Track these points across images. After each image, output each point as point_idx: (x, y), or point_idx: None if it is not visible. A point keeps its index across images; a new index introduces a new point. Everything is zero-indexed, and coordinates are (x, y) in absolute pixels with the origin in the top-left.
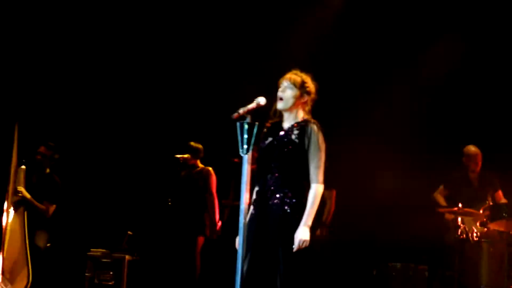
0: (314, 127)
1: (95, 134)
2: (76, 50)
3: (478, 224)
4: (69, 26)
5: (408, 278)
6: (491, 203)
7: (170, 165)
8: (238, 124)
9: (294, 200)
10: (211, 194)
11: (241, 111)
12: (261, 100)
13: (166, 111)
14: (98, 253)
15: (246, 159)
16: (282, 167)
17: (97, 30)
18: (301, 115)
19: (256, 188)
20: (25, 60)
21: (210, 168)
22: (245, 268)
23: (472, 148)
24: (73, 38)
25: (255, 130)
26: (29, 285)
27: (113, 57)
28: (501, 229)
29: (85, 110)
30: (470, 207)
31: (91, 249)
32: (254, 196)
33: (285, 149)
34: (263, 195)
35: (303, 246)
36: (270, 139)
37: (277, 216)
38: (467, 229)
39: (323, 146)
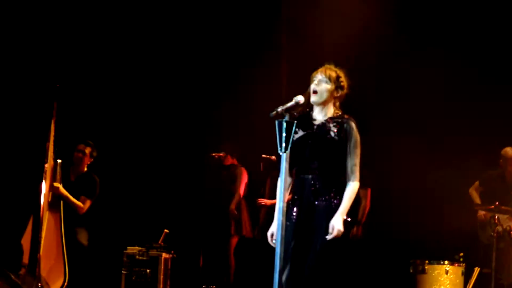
0: (353, 124)
1: (133, 131)
2: (109, 49)
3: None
4: (102, 23)
5: (445, 275)
6: None
7: (207, 163)
8: (276, 122)
9: (338, 199)
10: (237, 192)
11: (279, 109)
12: (300, 98)
13: (204, 109)
14: (135, 251)
15: (285, 157)
16: (324, 166)
17: (126, 31)
18: (332, 109)
19: (290, 186)
20: (60, 57)
21: (243, 168)
22: (285, 273)
23: (509, 151)
24: (106, 38)
25: (293, 129)
26: (65, 284)
27: (147, 56)
28: None
29: (121, 107)
30: (504, 205)
31: (128, 247)
32: (290, 196)
33: (325, 147)
34: (303, 196)
35: (338, 235)
36: (301, 133)
37: (324, 217)
38: (504, 226)
39: (360, 144)
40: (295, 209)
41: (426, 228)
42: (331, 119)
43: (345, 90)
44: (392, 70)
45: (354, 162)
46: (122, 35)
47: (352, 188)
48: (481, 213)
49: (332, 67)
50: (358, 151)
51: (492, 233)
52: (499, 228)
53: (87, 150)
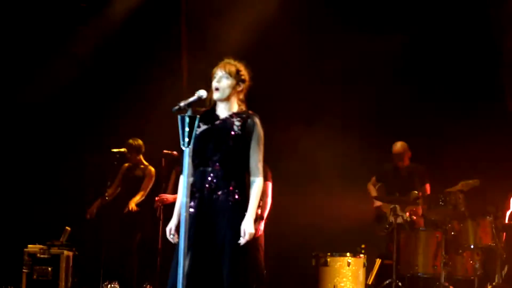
0: (257, 120)
1: (24, 129)
2: None
3: (407, 213)
4: None
5: (347, 267)
6: (419, 194)
7: (108, 159)
8: (179, 117)
9: (238, 194)
10: (144, 191)
11: (182, 104)
12: (202, 93)
13: (105, 105)
14: (36, 249)
15: (188, 152)
16: (225, 159)
17: None
18: (235, 104)
19: (192, 181)
20: None
21: (153, 170)
22: (187, 264)
23: (397, 146)
24: None
25: (196, 123)
26: None
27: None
28: (437, 217)
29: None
30: (401, 196)
31: (28, 245)
32: (190, 190)
33: (227, 141)
34: (203, 189)
35: (250, 238)
36: (204, 127)
37: (223, 211)
38: (404, 218)
39: (263, 139)
40: (192, 202)
41: (329, 221)
42: (235, 114)
43: (247, 83)
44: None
45: (258, 158)
46: None
47: (257, 185)
48: (377, 204)
49: (231, 61)
50: (262, 147)
51: (388, 226)
52: (399, 219)
53: None
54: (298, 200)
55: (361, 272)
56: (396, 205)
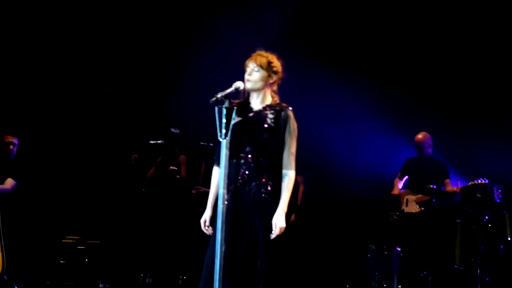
0: (290, 113)
1: (66, 121)
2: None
3: (417, 205)
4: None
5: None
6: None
7: (145, 151)
8: (216, 108)
9: (271, 186)
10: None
11: (219, 95)
12: (240, 84)
13: (143, 97)
14: (72, 240)
15: (225, 143)
16: (257, 151)
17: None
18: (269, 97)
19: (226, 173)
20: None
21: (184, 156)
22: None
23: (419, 135)
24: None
25: (233, 115)
26: (4, 271)
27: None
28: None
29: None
30: (415, 190)
31: (66, 236)
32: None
33: (261, 133)
34: (236, 181)
35: (281, 232)
36: (238, 119)
37: (256, 203)
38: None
39: (296, 133)
40: (227, 195)
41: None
42: (269, 106)
43: (279, 74)
44: None
45: (291, 151)
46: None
47: (289, 178)
48: (395, 192)
49: (263, 53)
50: (295, 140)
51: (398, 213)
52: (412, 209)
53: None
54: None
55: None
56: (408, 196)
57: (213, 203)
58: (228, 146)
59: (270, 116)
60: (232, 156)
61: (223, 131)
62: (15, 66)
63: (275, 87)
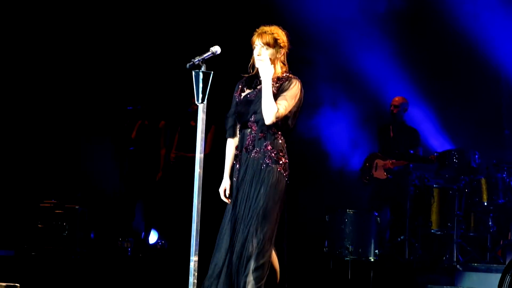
0: (294, 81)
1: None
2: None
3: (384, 171)
4: None
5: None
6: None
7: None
8: (194, 73)
9: (275, 154)
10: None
11: (196, 60)
12: (217, 49)
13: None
14: (51, 204)
15: (202, 108)
16: (261, 120)
17: None
18: (278, 67)
19: (236, 142)
20: None
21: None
22: (227, 221)
23: (395, 98)
24: None
25: (210, 79)
26: None
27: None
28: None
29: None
30: (386, 154)
31: (44, 200)
32: (234, 153)
33: None
34: (242, 150)
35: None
36: (247, 91)
37: (258, 170)
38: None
39: (298, 95)
40: (237, 165)
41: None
42: (278, 78)
43: (286, 47)
44: None
45: (285, 104)
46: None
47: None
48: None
49: (267, 29)
50: (293, 101)
51: (368, 177)
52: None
53: None
54: None
55: None
56: (378, 161)
57: (229, 173)
58: (237, 117)
59: (276, 85)
60: (241, 126)
61: (200, 95)
62: None
63: (283, 58)
